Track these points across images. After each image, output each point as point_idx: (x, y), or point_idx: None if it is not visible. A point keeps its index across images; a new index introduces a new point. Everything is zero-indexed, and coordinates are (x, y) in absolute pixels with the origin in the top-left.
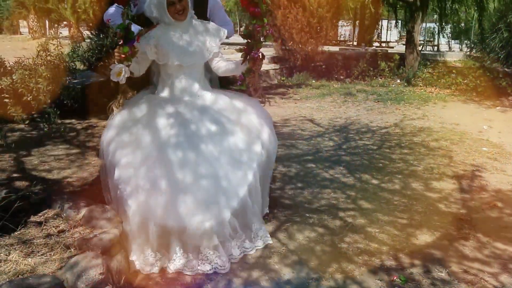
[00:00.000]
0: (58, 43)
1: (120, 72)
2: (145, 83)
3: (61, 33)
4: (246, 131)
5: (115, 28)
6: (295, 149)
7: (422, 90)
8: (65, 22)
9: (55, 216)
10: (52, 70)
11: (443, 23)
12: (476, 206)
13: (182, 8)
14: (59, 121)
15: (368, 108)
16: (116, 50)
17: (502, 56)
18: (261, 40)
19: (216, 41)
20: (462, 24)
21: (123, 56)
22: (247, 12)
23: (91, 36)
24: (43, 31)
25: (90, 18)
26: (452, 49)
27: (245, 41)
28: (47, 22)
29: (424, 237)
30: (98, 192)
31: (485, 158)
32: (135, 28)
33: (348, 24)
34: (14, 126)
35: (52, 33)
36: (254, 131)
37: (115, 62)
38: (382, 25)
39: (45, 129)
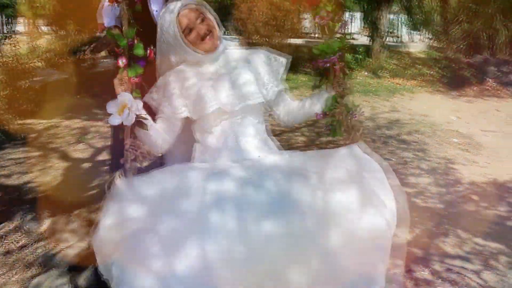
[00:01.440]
0: (16, 43)
1: (124, 106)
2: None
3: (18, 30)
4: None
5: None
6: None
7: (389, 82)
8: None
9: (16, 229)
10: (8, 73)
11: (410, 15)
12: (453, 200)
13: (207, 31)
14: (20, 122)
15: None
16: (116, 78)
17: (463, 47)
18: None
19: (274, 72)
20: (422, 15)
21: (132, 81)
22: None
23: (50, 32)
24: None
25: (48, 14)
26: (413, 40)
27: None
28: (2, 17)
29: (403, 235)
30: (63, 197)
31: (457, 149)
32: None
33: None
34: None
35: (9, 29)
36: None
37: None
38: (345, 16)
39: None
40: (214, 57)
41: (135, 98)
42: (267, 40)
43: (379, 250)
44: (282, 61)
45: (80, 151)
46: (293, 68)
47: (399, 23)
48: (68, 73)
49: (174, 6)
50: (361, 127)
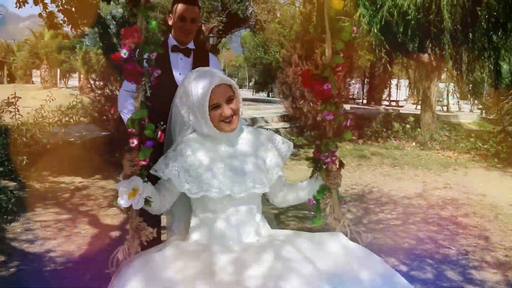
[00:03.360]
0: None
1: (135, 191)
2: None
3: (70, 85)
4: None
5: (127, 123)
6: (308, 222)
7: (439, 155)
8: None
9: None
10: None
11: (459, 84)
12: None
13: (231, 115)
14: (53, 180)
15: (384, 173)
16: (125, 157)
17: None
18: (336, 136)
19: (278, 157)
20: (470, 86)
21: (140, 163)
22: (313, 94)
23: (93, 87)
24: (54, 81)
25: (99, 71)
26: (461, 110)
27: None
28: (58, 72)
29: None
30: (84, 271)
31: None
32: None
33: (357, 82)
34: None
35: (63, 82)
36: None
37: (121, 178)
38: (391, 83)
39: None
40: (228, 137)
41: (144, 181)
42: (313, 105)
43: None
44: (290, 146)
45: (110, 217)
46: (339, 135)
47: (447, 92)
48: (110, 130)
49: (212, 77)
50: (345, 215)
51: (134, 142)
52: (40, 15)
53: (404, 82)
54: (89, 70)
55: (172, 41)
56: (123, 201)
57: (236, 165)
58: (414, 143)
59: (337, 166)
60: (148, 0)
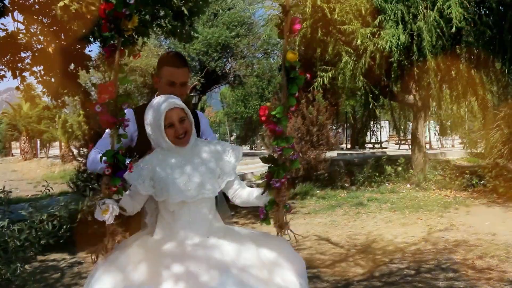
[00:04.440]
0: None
1: (106, 210)
2: (140, 221)
3: (50, 155)
4: None
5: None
6: (320, 282)
7: (437, 194)
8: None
9: None
10: None
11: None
12: None
13: (184, 131)
14: (42, 258)
15: (386, 219)
16: (103, 181)
17: (505, 152)
18: (286, 165)
19: (229, 165)
20: (449, 122)
21: (113, 189)
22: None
23: (78, 157)
24: (34, 152)
25: (80, 138)
26: (444, 146)
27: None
28: (38, 142)
29: None
30: None
31: None
32: None
33: (339, 126)
34: None
35: (44, 153)
36: None
37: (101, 197)
38: (374, 126)
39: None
40: (184, 150)
41: (117, 199)
42: (302, 156)
43: None
44: (237, 153)
45: None
46: (331, 183)
47: (428, 129)
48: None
49: (168, 101)
50: (287, 224)
51: (109, 170)
52: (17, 88)
53: (384, 123)
54: (69, 138)
55: None
56: (98, 216)
57: (190, 174)
58: (408, 185)
59: (285, 187)
60: (121, 54)
